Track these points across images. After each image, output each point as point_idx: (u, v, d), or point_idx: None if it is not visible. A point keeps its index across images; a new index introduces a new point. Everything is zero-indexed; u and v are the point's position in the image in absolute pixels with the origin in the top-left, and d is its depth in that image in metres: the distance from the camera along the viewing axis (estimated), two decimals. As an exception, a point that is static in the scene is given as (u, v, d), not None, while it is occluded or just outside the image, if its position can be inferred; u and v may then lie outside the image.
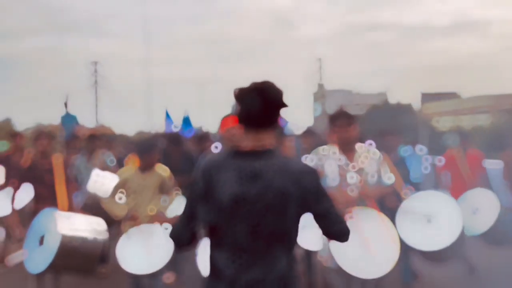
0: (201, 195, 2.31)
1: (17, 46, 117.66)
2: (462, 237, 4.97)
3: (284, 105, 2.39)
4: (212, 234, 2.32)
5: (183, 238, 2.38)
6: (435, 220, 4.76)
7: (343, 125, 3.91)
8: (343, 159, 3.84)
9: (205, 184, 2.30)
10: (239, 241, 2.26)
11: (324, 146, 4.01)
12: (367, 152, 3.91)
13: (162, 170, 4.95)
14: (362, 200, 3.72)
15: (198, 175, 2.35)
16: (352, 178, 3.78)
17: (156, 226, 4.65)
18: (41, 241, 4.76)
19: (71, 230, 4.71)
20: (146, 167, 4.85)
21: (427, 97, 64.22)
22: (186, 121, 13.65)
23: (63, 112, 12.97)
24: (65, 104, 12.97)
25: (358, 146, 3.98)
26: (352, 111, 4.15)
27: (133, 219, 4.70)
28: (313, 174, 2.39)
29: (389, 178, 3.93)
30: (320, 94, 57.83)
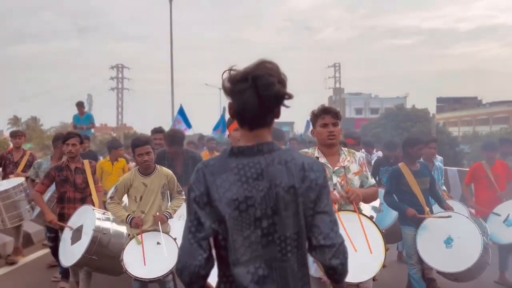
0: (202, 202, 1.94)
1: (43, 49, 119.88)
2: (483, 259, 4.94)
3: (286, 96, 1.95)
4: (221, 248, 1.96)
5: (196, 259, 1.91)
6: (455, 243, 4.93)
7: (327, 123, 3.61)
8: (325, 161, 3.62)
9: (205, 189, 1.94)
10: (252, 250, 1.92)
11: (307, 149, 3.78)
12: (349, 153, 3.71)
13: (164, 172, 4.83)
14: (345, 202, 3.51)
15: (196, 180, 1.97)
16: (335, 178, 3.59)
17: (163, 235, 4.62)
18: (75, 239, 4.88)
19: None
20: (147, 170, 4.71)
21: (444, 101, 63.40)
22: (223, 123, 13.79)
23: (77, 112, 12.97)
24: (78, 104, 12.89)
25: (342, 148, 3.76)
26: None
27: (136, 226, 4.62)
28: (320, 167, 2.07)
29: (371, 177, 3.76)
30: (337, 98, 57.37)
